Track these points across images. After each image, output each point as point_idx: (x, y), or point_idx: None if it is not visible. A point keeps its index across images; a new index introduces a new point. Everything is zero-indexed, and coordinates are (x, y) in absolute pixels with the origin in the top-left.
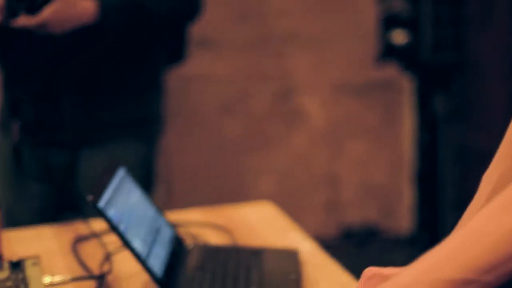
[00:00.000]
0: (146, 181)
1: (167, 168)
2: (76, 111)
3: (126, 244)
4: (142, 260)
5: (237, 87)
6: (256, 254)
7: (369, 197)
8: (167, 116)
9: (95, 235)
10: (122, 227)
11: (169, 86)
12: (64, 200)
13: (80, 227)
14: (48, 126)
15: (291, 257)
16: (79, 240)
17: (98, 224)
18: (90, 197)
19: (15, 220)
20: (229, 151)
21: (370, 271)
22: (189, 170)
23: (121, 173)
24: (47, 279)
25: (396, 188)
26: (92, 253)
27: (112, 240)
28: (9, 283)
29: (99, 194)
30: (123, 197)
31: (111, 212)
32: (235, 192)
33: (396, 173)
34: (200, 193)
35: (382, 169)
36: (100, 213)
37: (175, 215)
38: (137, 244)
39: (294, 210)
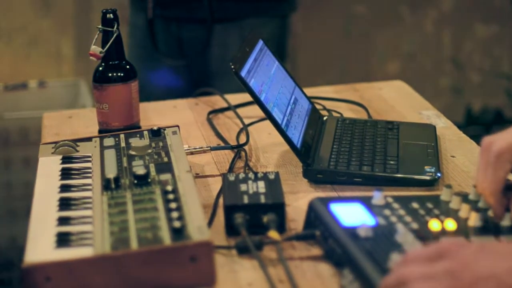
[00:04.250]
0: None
1: (293, 47)
2: None
3: (267, 113)
4: (282, 130)
5: None
6: (393, 127)
7: (495, 83)
8: None
9: (230, 108)
10: (262, 97)
11: None
12: (197, 75)
13: (215, 101)
14: (182, 0)
15: (427, 131)
16: (215, 112)
17: (231, 98)
18: (232, 66)
19: (150, 94)
20: (356, 31)
21: (496, 144)
22: (315, 50)
23: (260, 45)
24: (186, 147)
25: None
26: (228, 125)
27: (246, 113)
28: (150, 150)
29: (241, 63)
30: (263, 68)
31: (252, 82)
32: (361, 73)
33: None
34: (324, 74)
35: (509, 54)
36: (242, 82)
37: (308, 91)
38: (277, 115)
39: (419, 93)
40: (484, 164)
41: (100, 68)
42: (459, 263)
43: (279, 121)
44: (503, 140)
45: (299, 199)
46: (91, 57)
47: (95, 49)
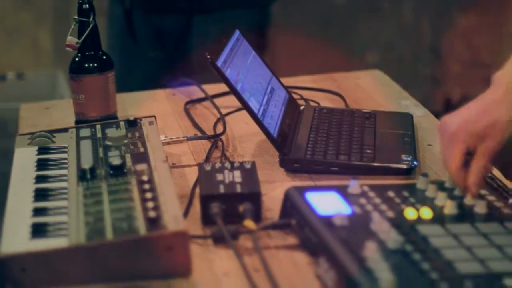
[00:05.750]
0: (258, 47)
1: (273, 37)
2: None
3: (243, 103)
4: (258, 120)
5: None
6: (370, 116)
7: (474, 72)
8: None
9: (208, 98)
10: (238, 87)
11: None
12: (176, 66)
13: (192, 91)
14: None
15: (404, 120)
16: (192, 102)
17: (208, 88)
18: (208, 56)
19: (129, 85)
20: (336, 21)
21: (460, 129)
22: (295, 40)
23: (236, 35)
24: (163, 138)
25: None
26: (205, 116)
27: (223, 103)
28: (126, 141)
29: (217, 54)
30: (239, 58)
31: (228, 72)
32: (340, 63)
33: (503, 50)
34: (304, 64)
35: (489, 45)
36: (218, 72)
37: (286, 81)
38: (253, 104)
39: (398, 83)
40: (442, 144)
41: (77, 59)
42: None
43: (255, 111)
44: (456, 120)
45: (275, 188)
46: (67, 48)
47: (71, 39)
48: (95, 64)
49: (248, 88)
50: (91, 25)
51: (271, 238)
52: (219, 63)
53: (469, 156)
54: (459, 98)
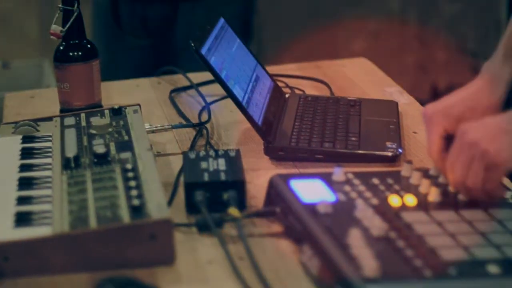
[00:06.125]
0: (243, 35)
1: (259, 25)
2: None
3: (227, 91)
4: (242, 107)
5: None
6: (355, 104)
7: (460, 60)
8: None
9: (193, 86)
10: (223, 75)
11: None
12: (162, 54)
13: (177, 80)
14: None
15: (389, 107)
16: (177, 91)
17: (194, 76)
18: (192, 44)
19: (115, 74)
20: (322, 9)
21: (437, 112)
22: (281, 28)
23: (221, 23)
24: (147, 126)
25: (487, 51)
26: (190, 104)
27: (208, 91)
28: (110, 129)
29: (201, 41)
30: (224, 46)
31: (212, 60)
32: (326, 51)
33: (489, 37)
34: (290, 51)
35: (475, 33)
36: (202, 60)
37: (271, 69)
38: (238, 92)
39: (384, 71)
40: (425, 129)
41: (61, 48)
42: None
43: (240, 99)
44: (437, 105)
45: (260, 176)
46: (51, 37)
47: (56, 28)
48: (80, 53)
49: (232, 76)
50: (75, 14)
51: (255, 226)
52: (203, 51)
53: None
54: (446, 86)
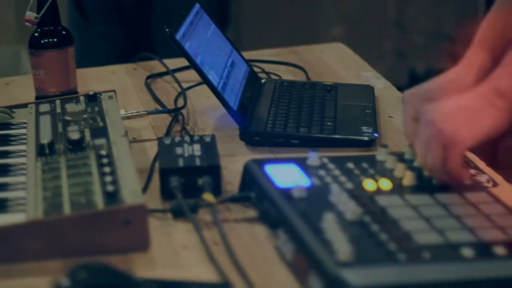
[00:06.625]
0: (220, 22)
1: (237, 11)
2: None
3: (202, 76)
4: (217, 92)
5: None
6: (331, 89)
7: (439, 45)
8: None
9: (168, 72)
10: (198, 60)
11: None
12: (138, 41)
13: (153, 66)
14: None
15: (366, 92)
16: (152, 77)
17: (170, 63)
18: (167, 30)
19: (89, 60)
20: None
21: (408, 94)
22: (259, 14)
23: (196, 9)
24: (123, 112)
25: (465, 37)
26: (166, 90)
27: (185, 77)
28: (85, 116)
29: (176, 27)
30: (199, 31)
31: (187, 45)
32: (305, 37)
33: (466, 23)
34: (269, 37)
35: (453, 17)
36: (177, 45)
37: (248, 54)
38: (213, 77)
39: (363, 57)
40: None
41: (36, 34)
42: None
43: (215, 84)
44: (412, 90)
45: (236, 161)
46: (26, 23)
47: (31, 15)
48: (55, 39)
49: (207, 61)
50: (50, 0)
51: (230, 212)
52: (178, 36)
53: None
54: (424, 71)
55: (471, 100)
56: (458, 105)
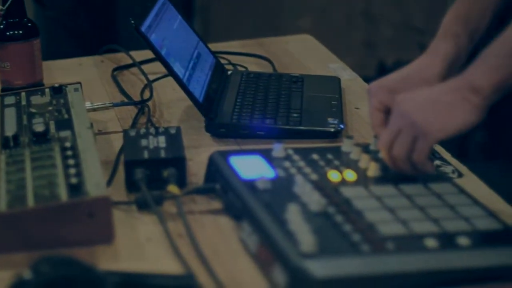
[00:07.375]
0: (186, 12)
1: (204, 3)
2: None
3: (168, 68)
4: (183, 84)
5: None
6: (297, 80)
7: (407, 36)
8: None
9: (135, 64)
10: (163, 52)
11: None
12: (104, 32)
13: (120, 58)
14: None
15: (332, 83)
16: (119, 69)
17: (137, 55)
18: (132, 21)
19: (55, 52)
20: None
21: (374, 86)
22: (226, 6)
23: (162, 0)
24: (88, 104)
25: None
26: (132, 82)
27: (151, 70)
28: (50, 108)
29: (141, 19)
30: (165, 23)
31: (153, 37)
32: (272, 28)
33: (435, 13)
34: (236, 28)
35: (421, 8)
36: (142, 37)
37: (215, 46)
38: (178, 69)
39: (332, 48)
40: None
41: (1, 26)
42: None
43: (180, 76)
44: (377, 81)
45: (201, 153)
46: None
47: None
48: (20, 32)
49: (173, 53)
50: None
51: (195, 203)
52: (144, 28)
53: None
54: (393, 62)
55: (445, 93)
56: (432, 98)
